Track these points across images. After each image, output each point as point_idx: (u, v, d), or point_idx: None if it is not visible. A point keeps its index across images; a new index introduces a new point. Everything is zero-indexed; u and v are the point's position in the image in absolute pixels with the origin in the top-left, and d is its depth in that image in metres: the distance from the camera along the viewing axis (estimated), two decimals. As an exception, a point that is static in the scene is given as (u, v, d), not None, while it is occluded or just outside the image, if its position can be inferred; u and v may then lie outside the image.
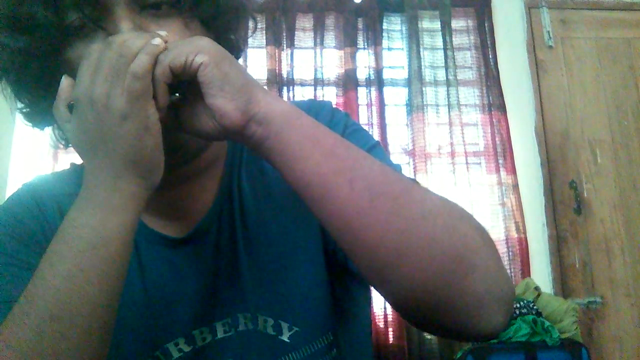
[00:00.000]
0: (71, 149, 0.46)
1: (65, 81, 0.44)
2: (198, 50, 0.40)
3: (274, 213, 0.55)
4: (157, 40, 0.41)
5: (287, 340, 0.54)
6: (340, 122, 0.56)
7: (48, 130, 0.55)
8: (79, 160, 0.55)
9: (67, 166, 0.61)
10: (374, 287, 0.44)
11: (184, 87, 0.43)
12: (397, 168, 0.53)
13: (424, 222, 0.41)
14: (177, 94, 0.43)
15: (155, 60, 0.40)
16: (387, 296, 0.44)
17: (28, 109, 0.52)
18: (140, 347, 0.53)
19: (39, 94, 0.50)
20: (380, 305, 2.08)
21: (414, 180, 0.50)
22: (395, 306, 0.44)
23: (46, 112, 0.50)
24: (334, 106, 0.60)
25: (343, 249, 0.44)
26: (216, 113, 0.41)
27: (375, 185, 0.41)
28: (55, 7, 0.44)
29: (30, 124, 0.53)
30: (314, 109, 0.56)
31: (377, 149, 0.55)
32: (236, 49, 0.56)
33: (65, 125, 0.44)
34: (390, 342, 2.03)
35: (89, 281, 0.39)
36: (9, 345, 0.38)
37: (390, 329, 2.06)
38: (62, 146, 0.54)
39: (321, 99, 2.29)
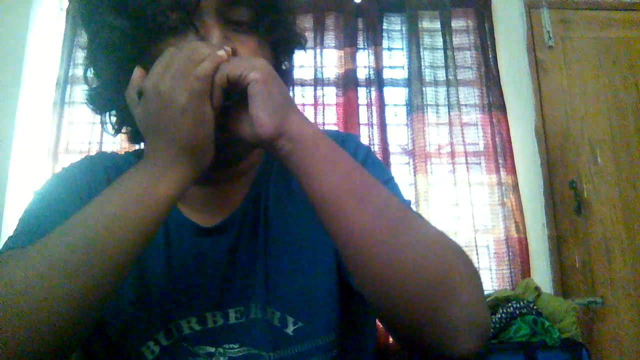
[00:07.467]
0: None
1: (137, 71, 0.52)
2: (253, 68, 0.48)
3: (294, 218, 0.62)
4: (221, 52, 0.49)
5: (291, 334, 0.58)
6: (361, 153, 0.64)
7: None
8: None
9: (67, 166, 0.66)
10: (364, 295, 0.48)
11: (236, 96, 0.49)
12: (406, 203, 0.58)
13: (418, 246, 0.46)
14: (230, 100, 0.50)
15: (216, 68, 0.48)
16: (374, 307, 0.48)
17: (95, 92, 0.60)
18: (157, 318, 0.58)
19: (117, 78, 0.55)
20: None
21: (417, 214, 0.55)
22: (379, 318, 0.50)
23: (111, 98, 0.59)
24: (358, 140, 0.67)
25: (344, 258, 0.48)
26: (255, 123, 0.47)
27: (379, 209, 0.47)
28: (157, 3, 0.52)
29: (91, 107, 0.61)
30: (340, 140, 0.62)
31: (391, 183, 0.62)
32: (289, 76, 0.66)
33: (133, 109, 0.50)
34: (391, 342, 2.03)
35: (126, 228, 0.45)
36: (42, 253, 0.42)
37: (390, 329, 2.06)
38: (112, 131, 0.63)
39: (321, 99, 2.29)
